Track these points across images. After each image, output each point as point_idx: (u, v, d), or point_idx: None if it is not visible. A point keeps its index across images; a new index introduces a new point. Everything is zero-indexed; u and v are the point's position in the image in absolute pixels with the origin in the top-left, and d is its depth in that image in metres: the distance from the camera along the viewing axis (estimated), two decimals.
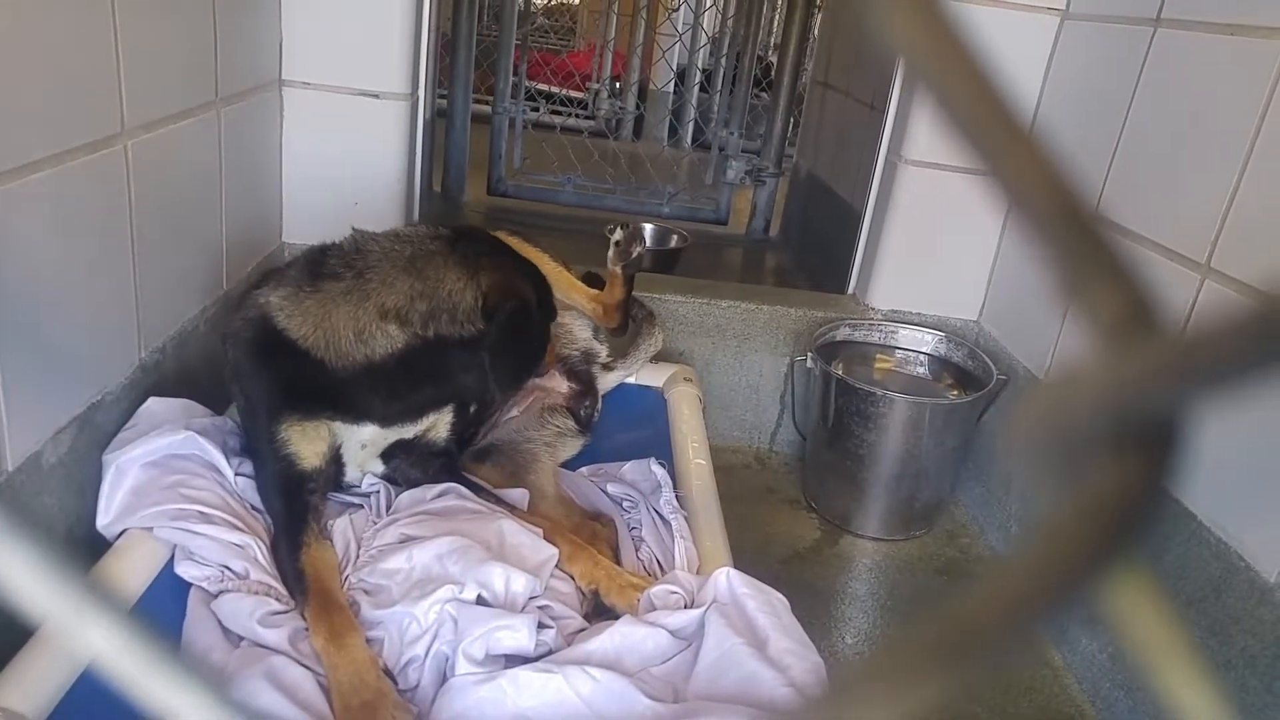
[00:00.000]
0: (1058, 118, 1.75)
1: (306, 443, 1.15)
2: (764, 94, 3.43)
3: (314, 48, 1.73)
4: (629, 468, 1.40)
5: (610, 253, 1.65)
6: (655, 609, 1.08)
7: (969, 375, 1.84)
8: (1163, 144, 1.42)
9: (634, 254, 1.64)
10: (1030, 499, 1.67)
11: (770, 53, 4.29)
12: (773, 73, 3.26)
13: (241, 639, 1.00)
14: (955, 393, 1.84)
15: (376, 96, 1.77)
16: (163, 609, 1.02)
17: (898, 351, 1.94)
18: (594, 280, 1.85)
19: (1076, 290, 0.18)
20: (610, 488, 1.37)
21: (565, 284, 1.56)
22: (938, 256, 1.94)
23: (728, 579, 1.10)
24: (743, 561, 1.23)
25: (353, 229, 1.20)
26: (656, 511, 1.30)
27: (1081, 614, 1.44)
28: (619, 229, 1.68)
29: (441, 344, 1.12)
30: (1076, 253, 0.18)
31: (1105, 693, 1.38)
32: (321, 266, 1.15)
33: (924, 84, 0.18)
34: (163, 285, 1.34)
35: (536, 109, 3.59)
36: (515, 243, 1.51)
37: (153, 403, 1.24)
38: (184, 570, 1.06)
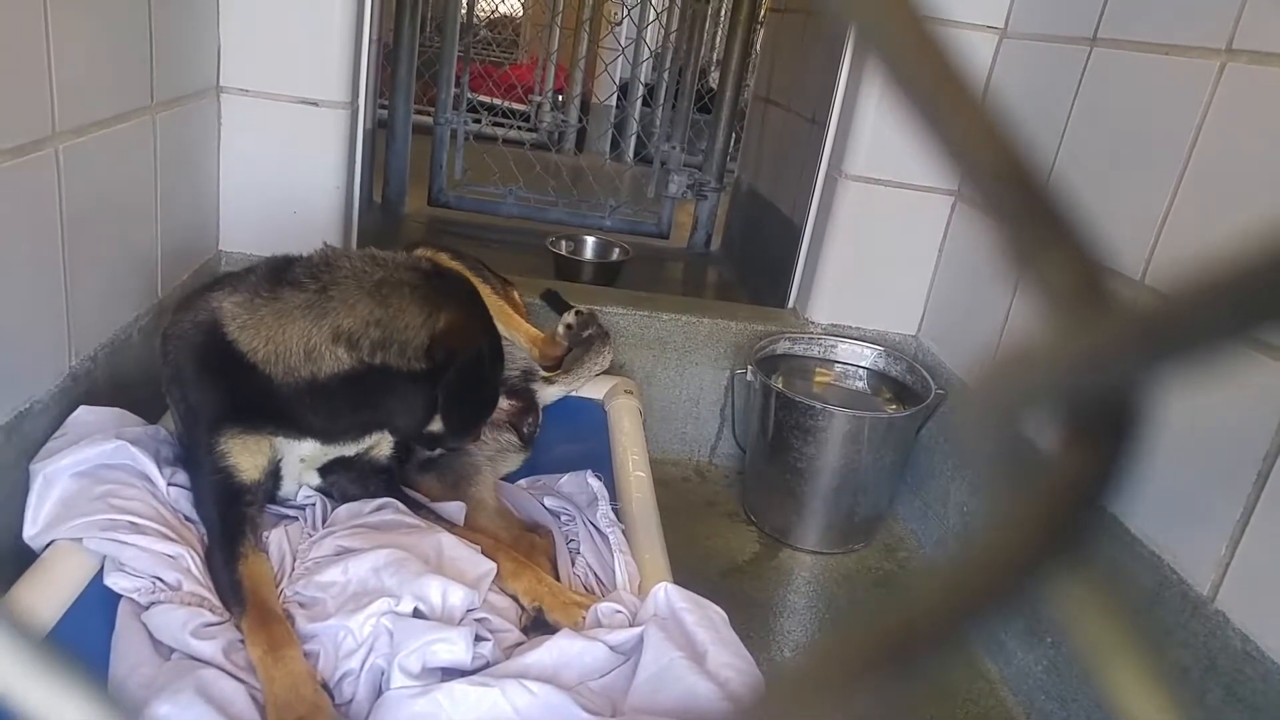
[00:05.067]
0: None
1: (247, 455, 1.13)
2: (707, 111, 3.47)
3: (252, 54, 1.70)
4: (566, 480, 1.40)
5: (560, 330, 1.66)
6: (601, 627, 1.08)
7: (907, 389, 1.87)
8: (1099, 161, 1.44)
9: (584, 336, 1.66)
10: (969, 513, 1.70)
11: (713, 68, 4.33)
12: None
13: (172, 651, 0.98)
14: (894, 407, 1.86)
15: (316, 105, 1.75)
16: (91, 621, 0.99)
17: (837, 365, 1.97)
18: (554, 299, 1.85)
19: (1026, 258, 0.17)
20: (548, 501, 1.36)
21: (505, 318, 1.56)
22: (877, 271, 1.97)
23: (665, 594, 1.10)
24: (682, 574, 1.23)
25: (324, 243, 1.18)
26: (594, 525, 1.30)
27: (1018, 624, 1.44)
28: (574, 313, 1.68)
29: (386, 373, 1.10)
30: (1026, 219, 0.17)
31: (1040, 704, 1.40)
32: (285, 274, 1.12)
33: (870, 44, 0.17)
34: (95, 292, 1.30)
35: (479, 120, 3.58)
36: (457, 269, 1.50)
37: (83, 411, 1.21)
38: (114, 581, 1.03)
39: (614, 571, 1.21)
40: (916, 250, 1.95)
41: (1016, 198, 0.17)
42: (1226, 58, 1.19)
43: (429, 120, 3.19)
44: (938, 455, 1.82)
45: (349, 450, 1.22)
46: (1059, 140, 1.55)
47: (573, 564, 1.26)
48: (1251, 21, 1.16)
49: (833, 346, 1.96)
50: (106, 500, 1.08)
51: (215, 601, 1.05)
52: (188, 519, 1.15)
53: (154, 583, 1.03)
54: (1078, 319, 0.16)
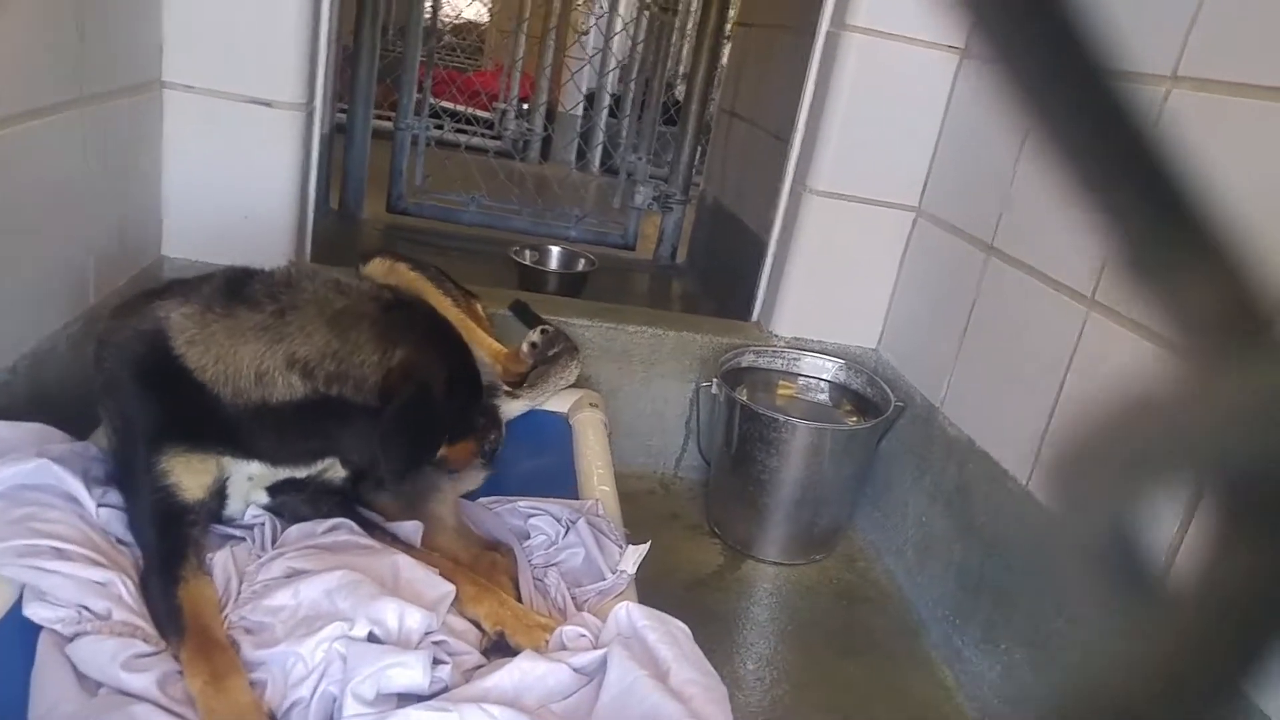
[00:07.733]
0: (957, 151, 1.79)
1: (191, 474, 1.07)
2: (673, 123, 3.45)
3: (199, 49, 1.64)
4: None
5: (524, 348, 1.64)
6: (565, 650, 1.04)
7: (868, 402, 1.87)
8: (1055, 180, 1.46)
9: (549, 355, 1.64)
10: (926, 523, 1.69)
11: (680, 81, 4.32)
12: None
13: (100, 686, 0.91)
14: (854, 419, 1.86)
15: (269, 105, 1.69)
16: (7, 658, 0.93)
17: (800, 378, 1.95)
18: (522, 310, 1.81)
19: (1148, 271, 0.12)
20: (521, 505, 1.34)
21: (467, 331, 1.51)
22: (840, 285, 1.96)
23: (628, 613, 1.08)
24: (646, 588, 1.22)
25: (290, 260, 1.13)
26: (579, 521, 1.29)
27: (975, 633, 1.45)
28: (539, 331, 1.65)
29: (341, 405, 1.06)
30: (1153, 221, 0.12)
31: (994, 708, 1.41)
32: (242, 289, 1.07)
33: None
34: (14, 298, 1.23)
35: (440, 127, 3.53)
36: (416, 280, 1.45)
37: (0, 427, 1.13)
38: (33, 612, 0.96)
39: (609, 558, 1.22)
40: (878, 265, 1.95)
41: (1141, 194, 0.13)
42: (1171, 85, 1.23)
43: (389, 125, 3.14)
44: (896, 467, 1.82)
45: (300, 472, 1.17)
46: (1017, 156, 1.55)
47: (545, 577, 1.22)
48: (1195, 52, 1.20)
49: (796, 360, 1.95)
50: (26, 524, 1.01)
51: (150, 630, 0.98)
52: (120, 542, 1.08)
53: (80, 612, 0.96)
54: (1219, 362, 0.11)
